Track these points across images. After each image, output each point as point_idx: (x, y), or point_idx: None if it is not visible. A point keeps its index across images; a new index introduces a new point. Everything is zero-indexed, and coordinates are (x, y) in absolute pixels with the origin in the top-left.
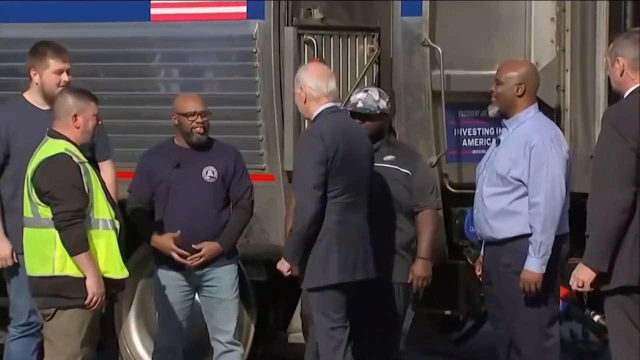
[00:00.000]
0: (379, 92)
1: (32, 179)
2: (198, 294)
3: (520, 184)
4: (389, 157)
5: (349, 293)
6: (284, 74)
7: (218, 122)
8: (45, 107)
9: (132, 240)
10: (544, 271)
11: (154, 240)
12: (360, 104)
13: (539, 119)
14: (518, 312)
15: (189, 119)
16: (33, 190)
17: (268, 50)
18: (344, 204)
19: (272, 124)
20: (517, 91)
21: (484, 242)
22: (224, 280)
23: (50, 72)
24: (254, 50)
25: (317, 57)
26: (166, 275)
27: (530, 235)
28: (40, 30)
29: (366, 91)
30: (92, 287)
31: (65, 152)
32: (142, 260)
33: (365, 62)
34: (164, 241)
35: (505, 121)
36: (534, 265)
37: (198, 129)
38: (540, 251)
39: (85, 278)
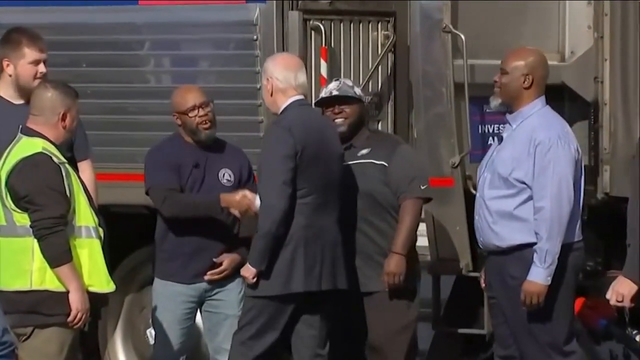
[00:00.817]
0: (351, 80)
1: (6, 183)
2: (200, 310)
3: (525, 187)
4: (364, 152)
5: (304, 303)
6: None
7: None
8: (19, 102)
9: (118, 251)
10: (549, 282)
11: (225, 199)
12: (335, 92)
13: (545, 113)
14: (528, 329)
15: (190, 115)
16: (8, 195)
17: (270, 38)
18: (312, 205)
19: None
20: (523, 82)
21: (487, 251)
22: (232, 294)
23: (26, 63)
24: (255, 37)
25: (325, 45)
26: (168, 288)
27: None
28: (14, 14)
29: (337, 79)
30: (76, 303)
31: (44, 151)
32: (129, 272)
33: (380, 51)
34: (234, 197)
35: (508, 116)
36: (539, 276)
37: (203, 124)
38: (546, 260)
39: (67, 292)
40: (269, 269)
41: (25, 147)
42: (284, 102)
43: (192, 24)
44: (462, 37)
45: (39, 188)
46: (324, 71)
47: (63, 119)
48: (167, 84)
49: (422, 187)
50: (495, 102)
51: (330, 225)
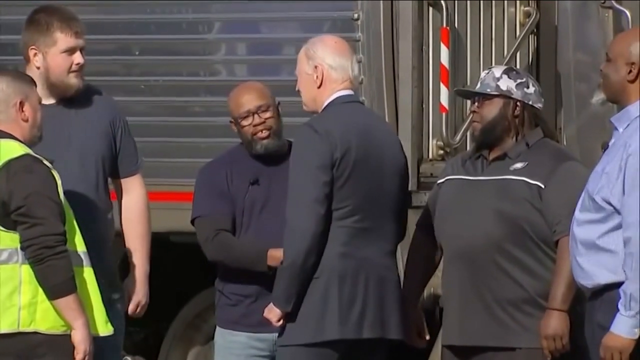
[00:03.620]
0: (508, 70)
1: None
2: None
3: (613, 210)
4: (517, 166)
5: (351, 353)
6: (399, 51)
7: (299, 120)
8: (50, 101)
9: (180, 292)
10: (636, 336)
11: (273, 256)
12: (478, 85)
13: None
14: None
15: (243, 123)
16: None
17: (376, 17)
18: (353, 230)
19: None
20: (628, 73)
21: None
22: None
23: (58, 52)
24: (355, 16)
25: (447, 25)
26: (228, 338)
27: None
28: None
29: (489, 69)
30: (84, 343)
31: (31, 153)
32: (194, 319)
33: (518, 33)
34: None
35: (614, 117)
36: (621, 327)
37: (259, 133)
38: (631, 307)
39: (62, 335)
40: (296, 309)
41: (1, 149)
42: (328, 98)
43: (274, 1)
44: (628, 13)
45: (37, 198)
46: (444, 59)
47: (21, 110)
48: (242, 77)
49: None
50: (597, 98)
51: (377, 257)
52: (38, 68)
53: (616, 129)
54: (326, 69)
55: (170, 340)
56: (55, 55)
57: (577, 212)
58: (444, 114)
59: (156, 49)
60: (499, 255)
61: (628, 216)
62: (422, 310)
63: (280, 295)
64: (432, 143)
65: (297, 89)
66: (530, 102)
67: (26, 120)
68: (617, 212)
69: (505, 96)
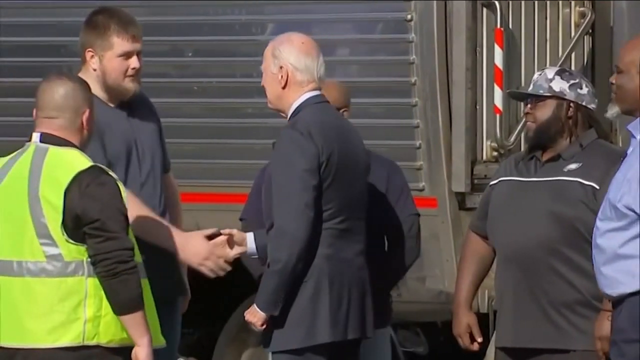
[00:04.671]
0: (561, 71)
1: (64, 203)
2: None
3: (637, 217)
4: (572, 167)
5: (334, 357)
6: (453, 52)
7: (353, 122)
8: (112, 104)
9: (225, 301)
10: None
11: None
12: (530, 86)
13: None
14: None
15: None
16: (62, 220)
17: (429, 18)
18: (336, 232)
19: (435, 125)
20: None
21: None
22: (380, 352)
23: (114, 56)
24: (409, 17)
25: (501, 26)
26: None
27: None
28: None
29: (542, 70)
30: None
31: (97, 165)
32: (239, 332)
33: (573, 33)
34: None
35: (630, 125)
36: None
37: None
38: None
39: (119, 348)
40: (284, 314)
41: (67, 160)
42: (296, 99)
43: (327, 2)
44: None
45: (110, 212)
46: (498, 60)
47: (87, 121)
48: None
49: None
50: (612, 111)
51: (355, 258)
52: (94, 70)
53: (633, 136)
54: (291, 70)
55: (223, 341)
56: (112, 59)
57: (598, 222)
58: (498, 116)
59: (209, 51)
60: (554, 258)
61: None
62: (475, 312)
63: (268, 299)
64: (486, 144)
65: (262, 84)
66: (583, 103)
67: (88, 130)
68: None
69: (559, 97)
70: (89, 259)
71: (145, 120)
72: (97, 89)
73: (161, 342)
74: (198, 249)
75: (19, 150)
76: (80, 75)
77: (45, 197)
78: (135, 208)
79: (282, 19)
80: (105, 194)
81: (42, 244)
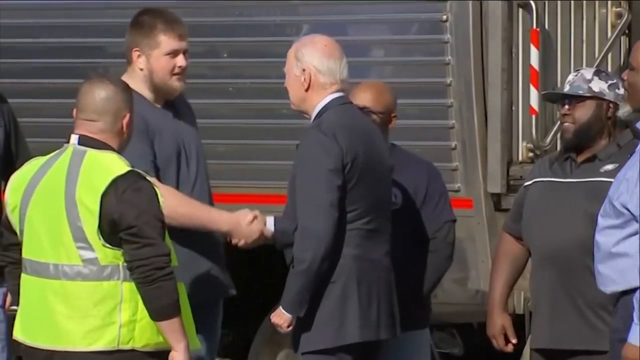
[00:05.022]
0: (598, 72)
1: (100, 207)
2: None
3: (632, 216)
4: (608, 167)
5: (364, 357)
6: (488, 53)
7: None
8: (158, 105)
9: (260, 303)
10: None
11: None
12: (567, 87)
13: None
14: None
15: None
16: (98, 224)
17: (465, 19)
18: (364, 232)
19: (471, 125)
20: None
21: None
22: (417, 352)
23: (161, 55)
24: (444, 18)
25: (537, 27)
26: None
27: None
28: None
29: (577, 71)
30: None
31: (135, 170)
32: (275, 333)
33: (609, 34)
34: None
35: (639, 124)
36: (636, 337)
37: None
38: None
39: (154, 351)
40: (312, 315)
41: (105, 164)
42: (319, 101)
43: (361, 2)
44: None
45: (147, 218)
46: (534, 61)
47: (128, 125)
48: None
49: None
50: (623, 110)
51: (382, 258)
52: (141, 70)
53: None
54: (314, 72)
55: (259, 342)
56: (159, 58)
57: (599, 218)
58: (533, 116)
59: (244, 52)
60: (590, 258)
61: None
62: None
63: (293, 300)
64: (522, 145)
65: (284, 85)
66: (621, 103)
67: (127, 134)
68: (635, 218)
69: (598, 98)
70: (124, 264)
71: (188, 120)
72: (144, 89)
73: (197, 346)
74: (252, 228)
75: (57, 152)
76: (126, 76)
77: (82, 201)
78: (184, 201)
79: (316, 19)
80: (142, 200)
81: (78, 247)
